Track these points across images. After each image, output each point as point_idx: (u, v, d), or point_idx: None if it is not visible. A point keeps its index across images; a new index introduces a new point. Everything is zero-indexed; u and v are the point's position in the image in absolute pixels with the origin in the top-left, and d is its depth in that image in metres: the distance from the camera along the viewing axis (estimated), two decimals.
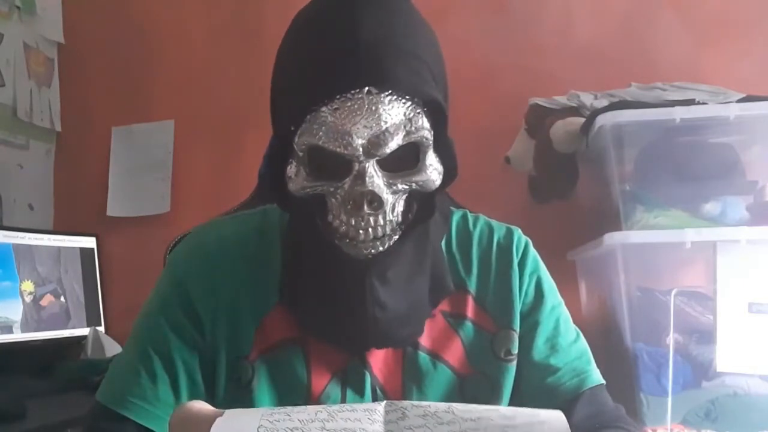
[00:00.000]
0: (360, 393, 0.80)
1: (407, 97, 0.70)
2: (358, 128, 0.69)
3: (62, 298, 2.03)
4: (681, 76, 1.66)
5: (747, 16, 1.85)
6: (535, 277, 0.86)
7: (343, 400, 0.80)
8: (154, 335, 0.80)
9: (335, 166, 0.71)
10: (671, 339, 1.36)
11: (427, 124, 0.72)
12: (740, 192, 1.45)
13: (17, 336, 1.85)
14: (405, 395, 0.81)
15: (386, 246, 0.73)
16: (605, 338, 1.50)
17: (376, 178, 0.71)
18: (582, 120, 1.55)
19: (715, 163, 1.50)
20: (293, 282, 0.80)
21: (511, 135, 1.79)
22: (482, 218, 0.90)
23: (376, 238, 0.73)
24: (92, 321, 2.09)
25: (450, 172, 0.76)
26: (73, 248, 2.10)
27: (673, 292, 1.37)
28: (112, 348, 1.91)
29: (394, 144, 0.70)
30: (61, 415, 1.50)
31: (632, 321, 1.43)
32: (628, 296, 1.43)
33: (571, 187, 1.78)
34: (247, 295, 0.81)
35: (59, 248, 2.05)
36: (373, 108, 0.69)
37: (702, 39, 1.84)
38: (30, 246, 1.95)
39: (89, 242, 2.16)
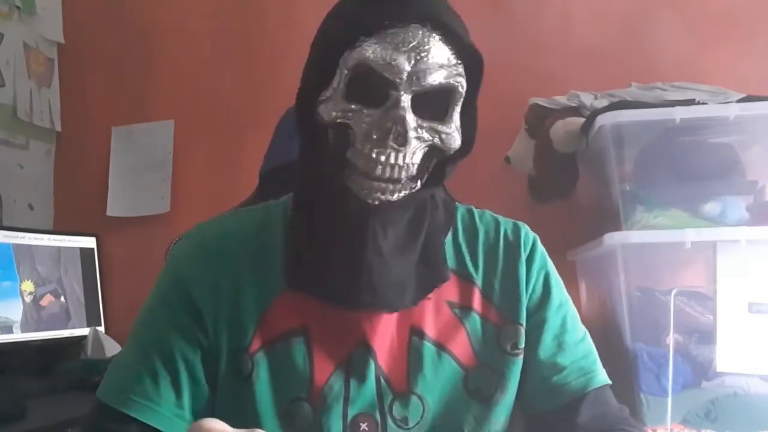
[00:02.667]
0: (364, 383, 0.80)
1: (452, 44, 0.75)
2: (408, 54, 0.72)
3: (62, 298, 2.03)
4: (681, 76, 1.65)
5: (747, 16, 1.85)
6: (543, 273, 0.87)
7: (347, 391, 0.79)
8: (155, 332, 0.80)
9: (373, 92, 0.73)
10: (671, 339, 1.36)
11: (464, 75, 0.76)
12: (740, 192, 1.45)
13: (17, 336, 1.85)
14: (410, 386, 0.81)
15: (395, 196, 0.75)
16: (605, 338, 1.50)
17: (408, 113, 0.73)
18: (582, 120, 1.55)
19: (715, 163, 1.50)
20: (298, 251, 0.80)
21: (511, 135, 1.79)
22: (488, 213, 0.91)
23: (390, 179, 0.74)
24: (92, 321, 2.09)
25: (467, 144, 0.79)
26: (73, 248, 2.10)
27: (673, 292, 1.37)
28: (112, 348, 1.91)
29: (435, 78, 0.73)
30: (61, 415, 1.50)
31: (632, 321, 1.42)
32: (628, 296, 1.43)
33: (571, 187, 1.78)
34: (248, 290, 0.81)
35: (59, 248, 2.05)
36: (425, 40, 0.73)
37: (702, 39, 1.84)
38: (30, 246, 1.95)
39: (89, 242, 2.16)
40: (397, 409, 0.80)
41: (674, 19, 1.87)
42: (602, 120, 1.44)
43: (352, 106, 0.74)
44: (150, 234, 2.16)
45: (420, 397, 0.80)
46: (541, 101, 1.71)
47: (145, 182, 2.22)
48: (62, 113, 2.29)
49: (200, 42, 2.22)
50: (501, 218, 0.90)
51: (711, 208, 1.41)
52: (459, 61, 0.75)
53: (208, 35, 2.21)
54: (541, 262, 0.87)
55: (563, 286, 0.89)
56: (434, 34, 0.73)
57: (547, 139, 1.64)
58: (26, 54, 2.15)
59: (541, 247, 0.88)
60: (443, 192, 0.86)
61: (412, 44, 0.72)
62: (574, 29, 1.94)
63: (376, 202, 0.74)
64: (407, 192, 0.76)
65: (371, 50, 0.72)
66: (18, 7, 2.10)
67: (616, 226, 1.43)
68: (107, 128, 2.26)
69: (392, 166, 0.73)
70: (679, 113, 1.41)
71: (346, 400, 0.79)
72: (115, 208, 2.24)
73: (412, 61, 0.72)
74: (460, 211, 0.89)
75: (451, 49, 0.75)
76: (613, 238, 1.39)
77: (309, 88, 0.77)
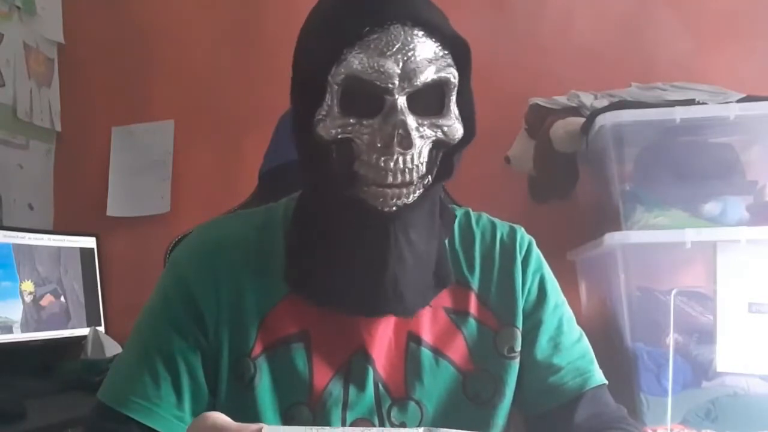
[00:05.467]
0: (362, 389, 0.80)
1: (435, 37, 0.74)
2: (395, 56, 0.72)
3: (62, 298, 2.03)
4: (681, 76, 1.66)
5: (747, 16, 1.85)
6: (538, 275, 0.87)
7: (346, 397, 0.80)
8: (156, 334, 0.80)
9: (367, 102, 0.73)
10: (671, 339, 1.36)
11: (453, 65, 0.75)
12: (740, 192, 1.45)
13: (17, 336, 1.85)
14: (408, 391, 0.81)
15: (411, 198, 0.74)
16: (605, 338, 1.50)
17: (407, 116, 0.72)
18: (582, 120, 1.55)
19: (715, 163, 1.50)
20: (300, 258, 0.80)
21: (511, 135, 1.79)
22: (485, 216, 0.90)
23: (403, 184, 0.73)
24: (92, 321, 2.09)
25: (469, 129, 0.78)
26: (73, 248, 2.10)
27: (673, 292, 1.37)
28: (112, 348, 1.91)
29: (426, 76, 0.73)
30: (61, 415, 1.50)
31: (632, 321, 1.42)
32: (628, 296, 1.43)
33: (571, 187, 1.78)
34: (250, 293, 0.81)
35: (59, 248, 2.05)
36: (408, 39, 0.72)
37: (702, 39, 1.84)
38: (30, 246, 1.95)
39: (89, 242, 2.16)
40: (395, 415, 0.80)
41: (674, 19, 1.87)
42: (602, 120, 1.44)
43: (351, 120, 0.73)
44: (150, 234, 2.15)
45: (418, 403, 0.81)
46: (541, 101, 1.71)
47: (145, 182, 2.22)
48: (62, 113, 2.29)
49: (200, 42, 2.22)
50: (498, 222, 0.90)
51: (711, 208, 1.41)
52: (446, 52, 0.75)
53: (208, 35, 2.21)
54: (537, 265, 0.87)
55: (559, 288, 0.89)
56: (416, 31, 0.73)
57: (547, 139, 1.64)
58: (26, 54, 2.15)
59: (536, 250, 0.88)
60: (443, 193, 0.86)
61: (396, 46, 0.71)
62: (574, 29, 1.93)
63: (394, 209, 0.73)
64: (421, 191, 0.75)
65: (357, 61, 0.71)
66: (18, 7, 2.10)
67: (616, 226, 1.43)
68: (107, 128, 2.26)
69: (402, 171, 0.72)
70: (679, 113, 1.41)
71: (345, 405, 0.79)
72: (115, 208, 2.24)
73: (401, 63, 0.71)
74: (458, 214, 0.89)
75: (435, 42, 0.74)
76: (613, 238, 1.39)
77: (303, 109, 0.76)
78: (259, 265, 0.82)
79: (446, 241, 0.85)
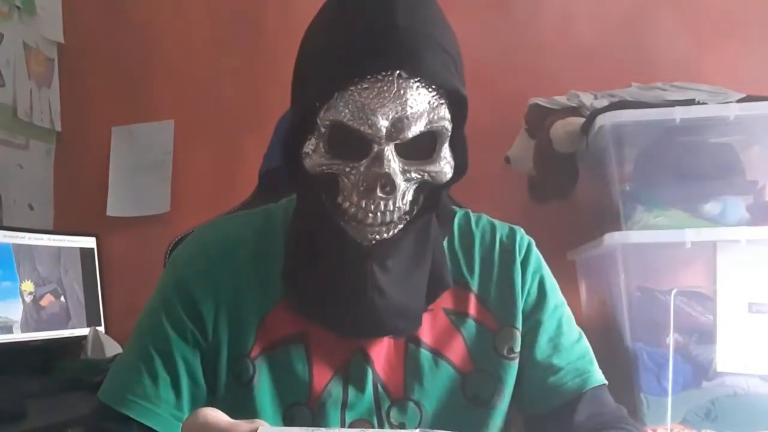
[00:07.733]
0: (362, 390, 0.80)
1: (433, 86, 0.71)
2: (384, 110, 0.70)
3: (62, 298, 2.03)
4: (681, 76, 1.65)
5: (747, 16, 1.85)
6: (537, 276, 0.87)
7: (345, 397, 0.80)
8: (156, 335, 0.81)
9: (354, 146, 0.72)
10: (671, 339, 1.36)
11: (448, 116, 0.73)
12: (740, 192, 1.45)
13: (17, 336, 1.85)
14: (407, 392, 0.81)
15: (390, 233, 0.74)
16: (605, 338, 1.50)
17: (393, 163, 0.71)
18: (582, 120, 1.55)
19: (715, 163, 1.50)
20: (296, 270, 0.80)
21: (511, 135, 1.79)
22: (485, 217, 0.91)
23: (383, 223, 0.73)
24: (92, 321, 2.09)
25: (460, 169, 0.77)
26: (73, 248, 2.10)
27: (673, 292, 1.37)
28: (112, 348, 1.91)
29: (416, 129, 0.71)
30: (61, 415, 1.50)
31: (632, 321, 1.42)
32: (628, 296, 1.43)
33: (571, 187, 1.78)
34: (249, 294, 0.82)
35: (59, 248, 2.05)
36: (401, 92, 0.70)
37: (702, 39, 1.84)
38: (30, 246, 1.95)
39: (89, 242, 2.16)
40: (394, 415, 0.80)
41: (674, 19, 1.87)
42: (602, 120, 1.44)
43: (337, 161, 0.73)
44: (150, 234, 2.15)
45: (417, 404, 0.81)
46: (541, 101, 1.71)
47: (145, 182, 2.22)
48: (62, 113, 2.29)
49: (200, 42, 2.22)
50: (497, 223, 0.90)
51: (711, 208, 1.41)
52: (442, 102, 0.72)
53: (208, 35, 2.21)
54: (536, 266, 0.87)
55: (558, 288, 0.89)
56: (411, 81, 0.70)
57: (547, 139, 1.64)
58: (26, 54, 2.15)
59: (536, 251, 0.89)
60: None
61: (388, 98, 0.69)
62: (574, 29, 1.94)
63: (373, 242, 0.74)
64: (402, 225, 0.75)
65: (347, 110, 0.70)
66: (18, 7, 2.10)
67: (616, 226, 1.43)
68: (107, 128, 2.26)
69: (383, 213, 0.73)
70: (679, 113, 1.41)
71: (344, 406, 0.80)
72: (115, 208, 2.24)
73: (390, 116, 0.69)
74: (457, 215, 0.89)
75: (431, 91, 0.71)
76: (613, 238, 1.39)
77: (292, 141, 0.76)
78: (258, 266, 0.83)
79: (446, 243, 0.86)
